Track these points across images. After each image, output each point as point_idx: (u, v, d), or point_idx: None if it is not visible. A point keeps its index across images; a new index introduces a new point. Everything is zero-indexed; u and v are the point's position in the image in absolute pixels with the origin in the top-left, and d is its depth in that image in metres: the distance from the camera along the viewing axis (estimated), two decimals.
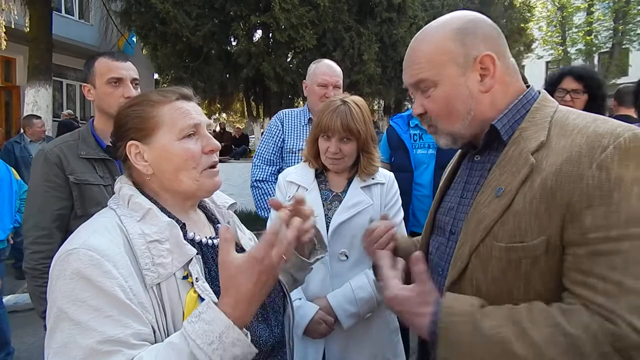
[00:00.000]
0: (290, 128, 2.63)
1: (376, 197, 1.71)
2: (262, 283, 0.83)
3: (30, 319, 4.06)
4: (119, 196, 1.00)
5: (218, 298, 0.87)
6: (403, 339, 1.80)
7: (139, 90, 1.89)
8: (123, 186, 1.01)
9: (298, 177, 1.77)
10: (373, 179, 1.72)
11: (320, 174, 1.78)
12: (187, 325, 0.82)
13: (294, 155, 2.56)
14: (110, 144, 1.07)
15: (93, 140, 1.82)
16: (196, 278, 0.94)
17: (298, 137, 2.59)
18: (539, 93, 1.00)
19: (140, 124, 0.99)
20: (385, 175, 1.78)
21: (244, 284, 0.82)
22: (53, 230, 1.71)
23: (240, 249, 1.15)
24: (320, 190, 1.73)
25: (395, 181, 1.81)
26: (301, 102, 10.64)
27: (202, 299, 0.91)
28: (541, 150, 0.88)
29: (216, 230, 1.13)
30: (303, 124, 2.62)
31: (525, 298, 0.85)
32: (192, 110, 1.02)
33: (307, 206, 1.06)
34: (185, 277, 0.93)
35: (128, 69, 1.84)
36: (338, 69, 2.57)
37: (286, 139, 2.61)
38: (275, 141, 2.62)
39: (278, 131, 2.63)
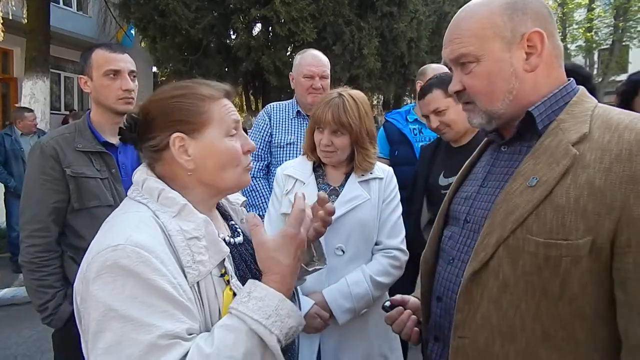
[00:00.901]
0: (277, 122, 2.54)
1: (374, 192, 1.69)
2: (298, 258, 0.93)
3: (29, 312, 4.03)
4: (143, 189, 0.96)
5: None
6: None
7: (137, 82, 1.88)
8: (148, 179, 0.96)
9: (295, 171, 1.76)
10: (371, 173, 1.71)
11: (319, 167, 1.77)
12: (239, 305, 0.84)
13: (282, 149, 2.49)
14: (126, 127, 1.00)
15: (90, 133, 1.81)
16: (231, 275, 0.95)
17: (286, 131, 2.52)
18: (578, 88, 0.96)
19: (190, 117, 0.96)
20: (384, 170, 1.76)
21: (285, 260, 0.90)
22: (49, 223, 1.70)
23: (254, 252, 1.14)
24: (317, 184, 1.72)
25: (394, 176, 1.79)
26: None
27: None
28: (583, 143, 0.84)
29: (231, 228, 1.12)
30: (291, 117, 2.55)
31: (560, 297, 0.81)
32: (233, 109, 1.02)
33: (329, 204, 1.16)
34: (222, 275, 0.94)
35: (126, 61, 1.82)
36: (324, 58, 2.49)
37: (274, 133, 2.52)
38: (262, 136, 2.53)
39: (265, 125, 2.54)
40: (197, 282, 0.89)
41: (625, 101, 2.49)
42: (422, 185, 2.20)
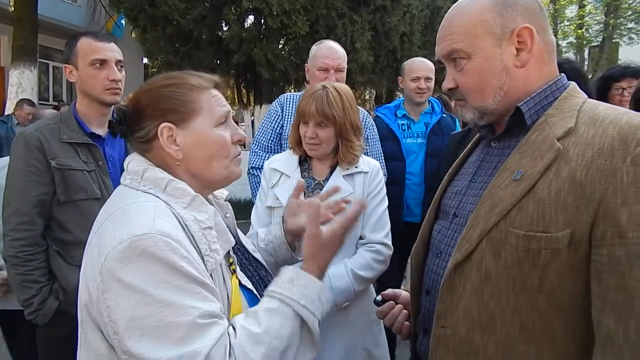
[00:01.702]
0: (290, 113, 2.45)
1: (359, 186, 1.70)
2: (335, 254, 1.03)
3: None
4: (145, 179, 0.95)
5: (250, 285, 1.04)
6: (388, 329, 1.80)
7: (124, 72, 1.84)
8: (151, 168, 0.96)
9: (281, 165, 1.77)
10: (356, 167, 1.71)
11: (305, 161, 1.77)
12: (284, 291, 0.91)
13: None
14: (116, 120, 0.99)
15: (75, 123, 1.77)
16: (236, 264, 1.01)
17: None
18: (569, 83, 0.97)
19: (178, 107, 0.96)
20: (369, 164, 1.77)
21: (329, 256, 1.00)
22: (34, 216, 1.67)
23: (241, 246, 1.15)
24: (303, 178, 1.72)
25: (381, 170, 1.80)
26: (292, 89, 10.54)
27: (241, 285, 1.02)
28: (568, 137, 0.85)
29: None
30: None
31: (539, 289, 0.82)
32: (223, 99, 1.03)
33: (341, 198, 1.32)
34: (230, 264, 1.00)
35: (112, 50, 1.79)
36: (341, 50, 2.41)
37: (285, 124, 2.44)
38: (273, 127, 2.47)
39: (277, 116, 2.47)
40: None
41: (600, 97, 2.51)
42: (441, 177, 2.17)
